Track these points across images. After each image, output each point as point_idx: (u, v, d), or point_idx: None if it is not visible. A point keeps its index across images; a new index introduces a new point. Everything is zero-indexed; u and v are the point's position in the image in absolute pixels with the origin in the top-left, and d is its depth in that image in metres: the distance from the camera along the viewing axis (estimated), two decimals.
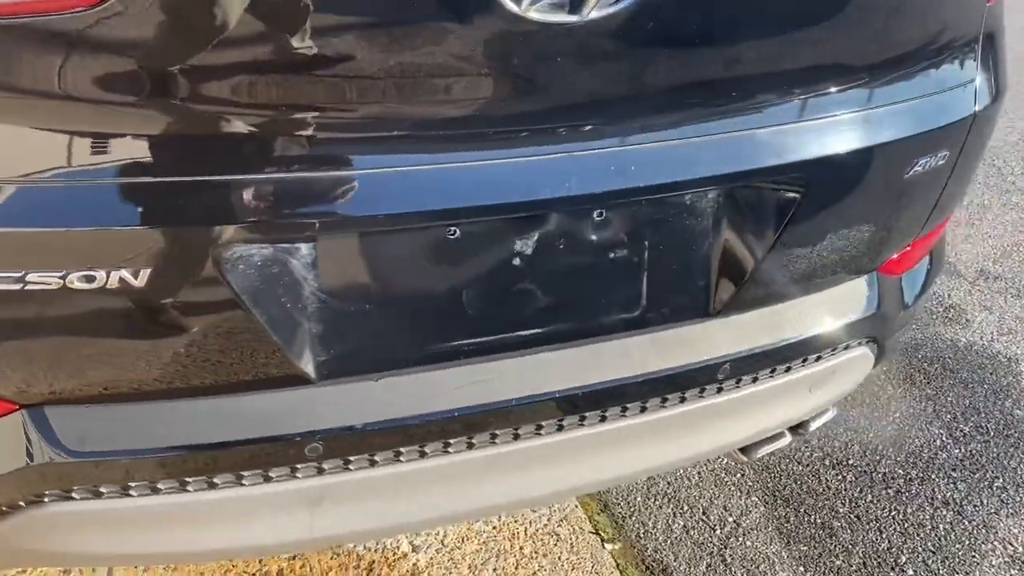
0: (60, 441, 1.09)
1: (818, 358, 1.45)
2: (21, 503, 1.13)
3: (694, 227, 1.24)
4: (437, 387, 1.17)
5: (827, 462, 2.21)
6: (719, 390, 1.35)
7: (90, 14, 0.85)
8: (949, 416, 2.39)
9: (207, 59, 0.91)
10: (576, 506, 2.02)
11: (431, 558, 1.84)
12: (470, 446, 1.23)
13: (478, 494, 1.29)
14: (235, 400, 1.10)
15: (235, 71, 0.93)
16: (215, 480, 1.14)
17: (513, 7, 0.93)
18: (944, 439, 2.31)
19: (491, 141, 1.06)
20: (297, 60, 0.93)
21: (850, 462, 2.22)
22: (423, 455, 1.21)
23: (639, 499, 2.07)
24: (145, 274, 0.97)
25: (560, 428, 1.26)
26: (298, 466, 1.16)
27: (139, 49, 0.90)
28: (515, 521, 1.95)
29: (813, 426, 1.70)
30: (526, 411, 1.21)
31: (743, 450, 1.67)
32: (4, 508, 1.13)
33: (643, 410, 1.30)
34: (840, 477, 2.17)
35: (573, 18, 0.97)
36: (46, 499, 1.12)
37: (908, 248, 1.48)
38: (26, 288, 0.95)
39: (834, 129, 1.22)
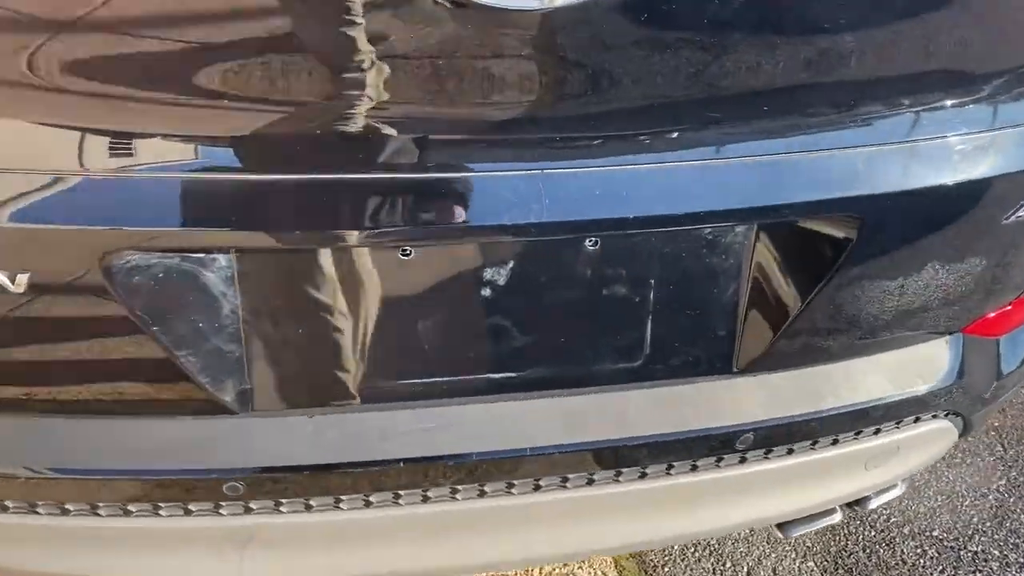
0: None
1: (877, 431, 1.19)
2: None
3: (717, 265, 1.00)
4: (380, 430, 1.00)
5: (906, 530, 1.91)
6: (742, 460, 1.12)
7: None
8: None
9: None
10: None
11: None
12: (424, 499, 1.05)
13: (429, 556, 1.11)
14: (140, 424, 0.97)
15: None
16: (128, 508, 1.02)
17: None
18: None
19: (446, 150, 0.87)
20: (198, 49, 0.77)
21: (934, 533, 1.90)
22: (367, 504, 1.04)
23: (676, 547, 1.84)
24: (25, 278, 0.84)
25: (535, 489, 1.07)
26: (221, 503, 1.01)
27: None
28: None
29: (873, 504, 1.43)
30: (489, 466, 1.02)
31: (780, 526, 1.42)
32: None
33: (642, 476, 1.09)
34: (920, 551, 1.86)
35: (534, 4, 0.76)
36: None
37: (1008, 308, 1.20)
38: None
39: (904, 158, 0.95)
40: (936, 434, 1.27)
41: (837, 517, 1.42)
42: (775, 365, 1.06)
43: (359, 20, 0.77)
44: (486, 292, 0.96)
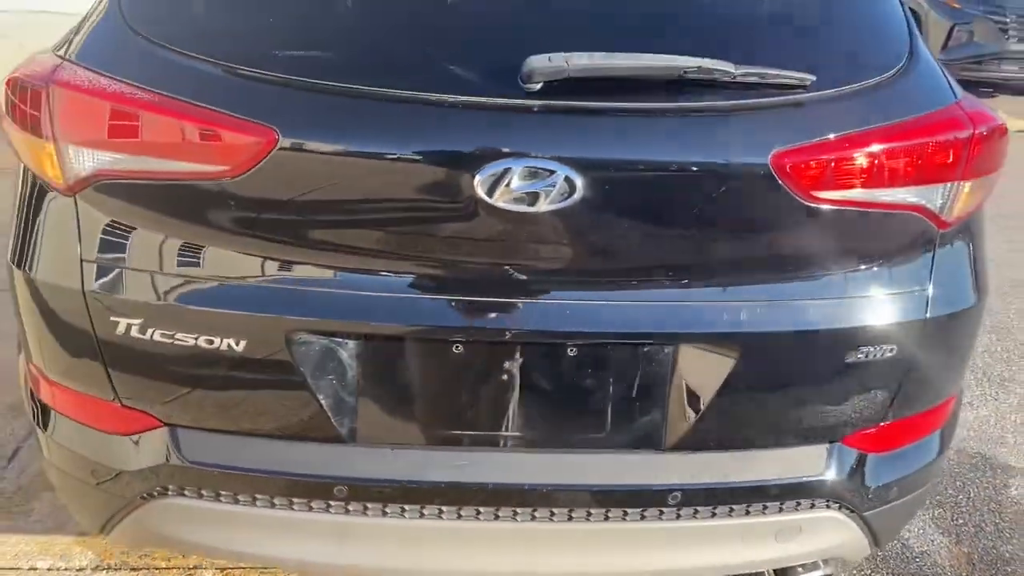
0: (182, 451, 1.60)
1: (780, 509, 1.68)
2: (154, 493, 1.65)
3: (652, 373, 1.57)
4: (431, 463, 1.58)
5: None
6: (677, 516, 1.63)
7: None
8: None
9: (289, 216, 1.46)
10: None
11: None
12: (457, 516, 1.61)
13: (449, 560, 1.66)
14: (289, 445, 1.58)
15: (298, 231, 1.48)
16: (273, 500, 1.61)
17: (486, 198, 1.40)
18: None
19: (475, 287, 1.49)
20: (348, 230, 1.48)
21: None
22: (421, 515, 1.61)
23: None
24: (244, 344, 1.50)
25: (514, 516, 1.60)
26: (330, 503, 1.60)
27: (261, 204, 1.46)
28: None
29: None
30: (496, 493, 1.58)
31: None
32: (143, 496, 1.66)
33: (600, 518, 1.62)
34: None
35: (531, 209, 1.42)
36: (169, 493, 1.64)
37: (874, 430, 1.70)
38: (176, 343, 1.51)
39: (768, 311, 1.53)
40: (831, 523, 1.73)
41: None
42: (691, 447, 1.60)
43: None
44: (504, 377, 1.55)
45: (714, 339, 1.53)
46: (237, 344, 1.48)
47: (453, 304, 1.49)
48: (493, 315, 1.50)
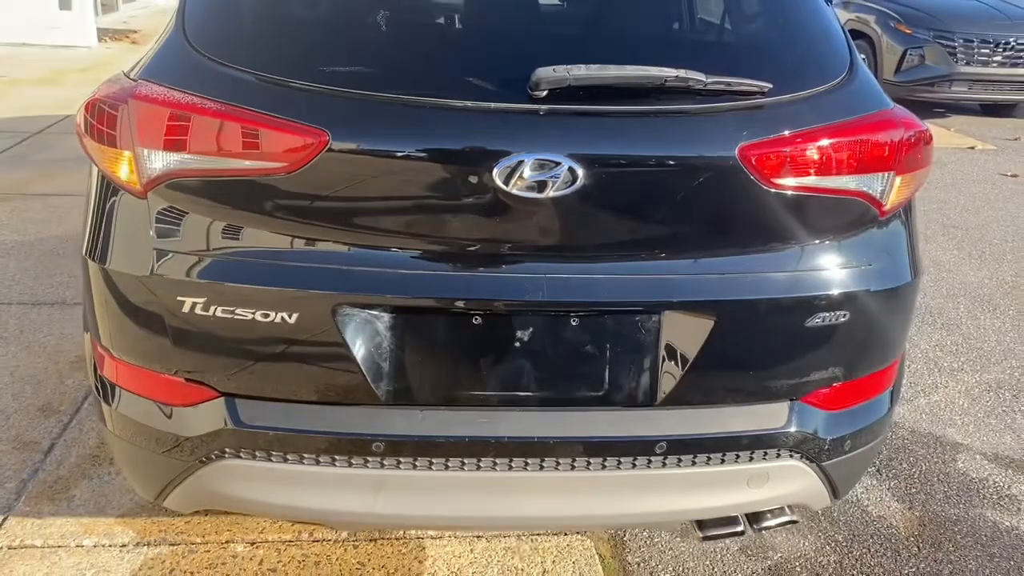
0: (239, 418, 1.85)
1: (750, 458, 1.96)
2: (213, 456, 1.89)
3: (644, 338, 1.86)
4: (456, 421, 1.85)
5: None
6: (663, 464, 1.91)
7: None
8: None
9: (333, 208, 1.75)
10: None
11: None
12: (477, 467, 1.87)
13: (476, 506, 1.93)
14: (332, 409, 1.85)
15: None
16: (319, 458, 1.87)
17: (503, 186, 1.69)
18: None
19: (493, 262, 1.78)
20: (385, 216, 1.76)
21: None
22: (446, 467, 1.87)
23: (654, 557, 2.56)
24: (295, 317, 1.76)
25: (525, 467, 1.87)
26: (368, 458, 1.86)
27: (311, 196, 1.74)
28: None
29: (768, 523, 2.17)
30: (508, 446, 1.85)
31: (700, 527, 2.17)
32: (203, 459, 1.90)
33: (599, 467, 1.89)
34: None
35: (540, 195, 1.71)
36: (226, 455, 1.88)
37: (828, 390, 1.99)
38: (236, 318, 1.77)
39: (739, 281, 1.83)
40: (793, 471, 2.02)
41: (741, 528, 2.16)
42: (678, 401, 1.88)
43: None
44: (517, 344, 1.83)
45: (694, 306, 1.83)
46: (289, 317, 1.75)
47: (473, 278, 1.78)
48: (508, 287, 1.78)
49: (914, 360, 4.01)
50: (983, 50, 9.54)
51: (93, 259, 1.88)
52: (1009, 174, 7.69)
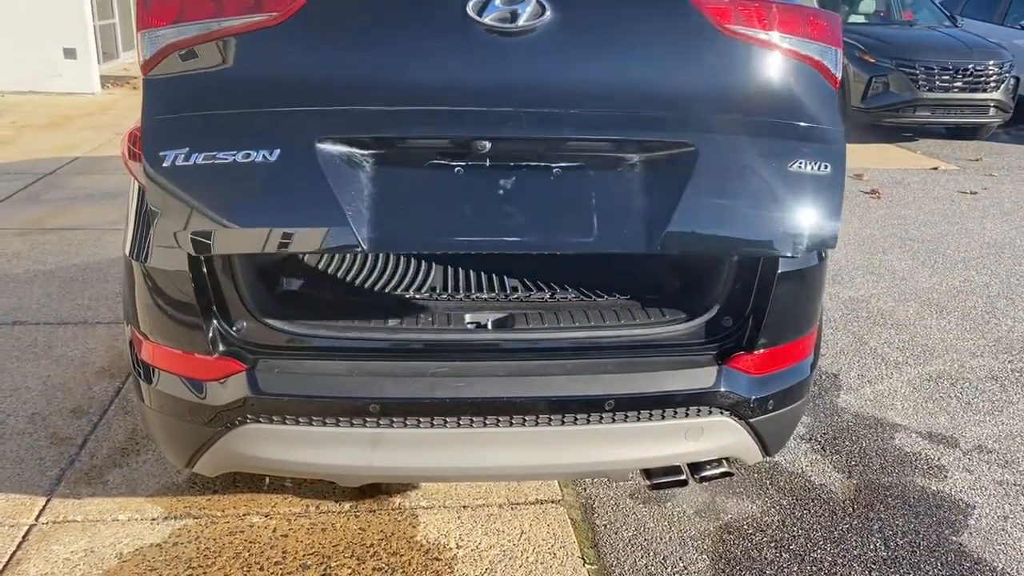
0: (258, 387, 2.24)
1: (686, 414, 2.34)
2: (236, 422, 2.27)
3: (625, 176, 2.15)
4: (439, 386, 2.22)
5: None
6: (612, 419, 2.28)
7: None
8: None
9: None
10: None
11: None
12: (457, 424, 2.24)
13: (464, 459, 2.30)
14: (338, 366, 2.23)
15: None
16: (324, 420, 2.24)
17: (476, 17, 2.07)
18: None
19: (463, 99, 2.10)
20: (369, 53, 2.10)
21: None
22: (432, 425, 2.24)
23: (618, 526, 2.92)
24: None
25: (497, 423, 2.23)
26: (366, 419, 2.23)
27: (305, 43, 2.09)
28: None
29: (707, 473, 2.54)
30: (483, 407, 2.22)
31: (648, 476, 2.54)
32: (228, 425, 2.28)
33: (560, 422, 2.27)
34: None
35: (511, 25, 2.07)
36: (248, 420, 2.26)
37: (751, 357, 2.37)
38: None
39: (712, 116, 2.20)
40: (724, 426, 2.38)
41: (684, 478, 2.53)
42: (672, 246, 2.12)
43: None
44: (500, 189, 2.08)
45: (668, 145, 2.16)
46: (271, 155, 2.00)
47: (453, 113, 2.08)
48: (488, 121, 2.08)
49: (862, 356, 4.40)
50: (944, 76, 10.07)
51: (135, 258, 2.27)
52: (968, 191, 8.14)
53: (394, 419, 2.22)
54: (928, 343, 4.60)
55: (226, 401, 2.24)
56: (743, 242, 2.20)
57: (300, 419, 2.23)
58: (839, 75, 2.36)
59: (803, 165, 2.18)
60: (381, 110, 2.09)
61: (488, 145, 2.08)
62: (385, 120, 2.09)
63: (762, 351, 2.40)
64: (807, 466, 3.36)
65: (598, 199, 2.15)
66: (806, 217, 2.17)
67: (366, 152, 2.09)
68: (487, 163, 2.11)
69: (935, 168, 9.22)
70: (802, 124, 2.25)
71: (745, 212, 2.15)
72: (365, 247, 2.02)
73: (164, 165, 2.00)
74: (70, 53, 11.79)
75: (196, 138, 2.02)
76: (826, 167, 2.19)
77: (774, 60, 2.27)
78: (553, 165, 2.15)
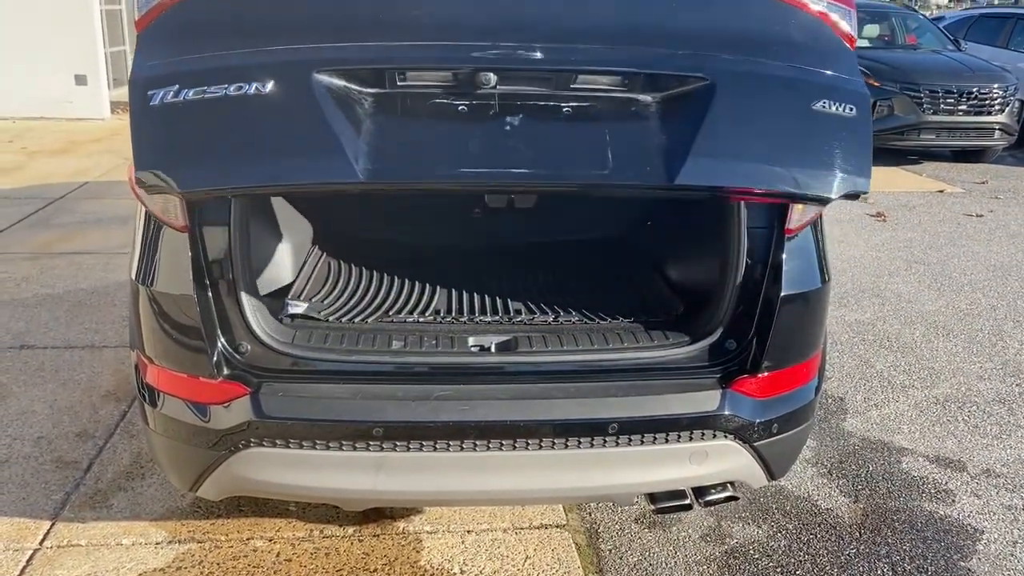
0: (263, 410, 2.24)
1: (690, 438, 2.33)
2: (240, 445, 2.27)
3: (641, 112, 2.17)
4: (443, 410, 2.22)
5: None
6: (616, 443, 2.28)
7: None
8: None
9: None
10: None
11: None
12: (460, 448, 2.24)
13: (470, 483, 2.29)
14: (342, 389, 2.23)
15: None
16: (328, 443, 2.24)
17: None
18: None
19: (465, 33, 2.15)
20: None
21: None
22: (435, 449, 2.24)
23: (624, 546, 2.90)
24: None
25: (500, 447, 2.23)
26: (369, 442, 2.23)
27: None
28: None
29: (711, 498, 2.53)
30: (487, 430, 2.22)
31: (653, 501, 2.53)
32: (232, 448, 2.28)
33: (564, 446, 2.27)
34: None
35: None
36: (251, 444, 2.26)
37: (755, 380, 2.37)
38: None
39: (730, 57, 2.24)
40: (728, 450, 2.37)
41: (688, 502, 2.51)
42: (697, 177, 2.07)
43: None
44: (523, 114, 2.09)
45: (684, 80, 2.17)
46: (263, 87, 1.99)
47: (453, 48, 2.10)
48: (492, 54, 2.07)
49: (869, 379, 4.38)
50: (948, 100, 10.10)
51: (141, 282, 2.29)
52: (974, 214, 8.14)
53: (398, 443, 2.22)
54: (935, 366, 4.58)
55: (230, 425, 2.24)
56: (769, 177, 2.11)
57: (304, 443, 2.23)
58: (854, 34, 2.39)
59: (827, 105, 2.16)
60: (379, 44, 2.09)
61: (493, 79, 2.03)
62: (383, 54, 2.08)
63: (766, 374, 2.40)
64: (813, 490, 3.34)
65: (612, 133, 2.11)
66: (836, 158, 2.11)
67: (364, 88, 2.07)
68: (494, 101, 2.05)
69: (941, 191, 9.22)
70: (822, 71, 2.26)
71: (769, 147, 2.12)
72: (361, 177, 1.95)
73: (152, 104, 1.96)
74: (81, 80, 11.91)
75: (188, 77, 1.99)
76: (851, 109, 2.17)
77: (793, 13, 2.32)
78: (565, 99, 2.12)
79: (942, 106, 10.10)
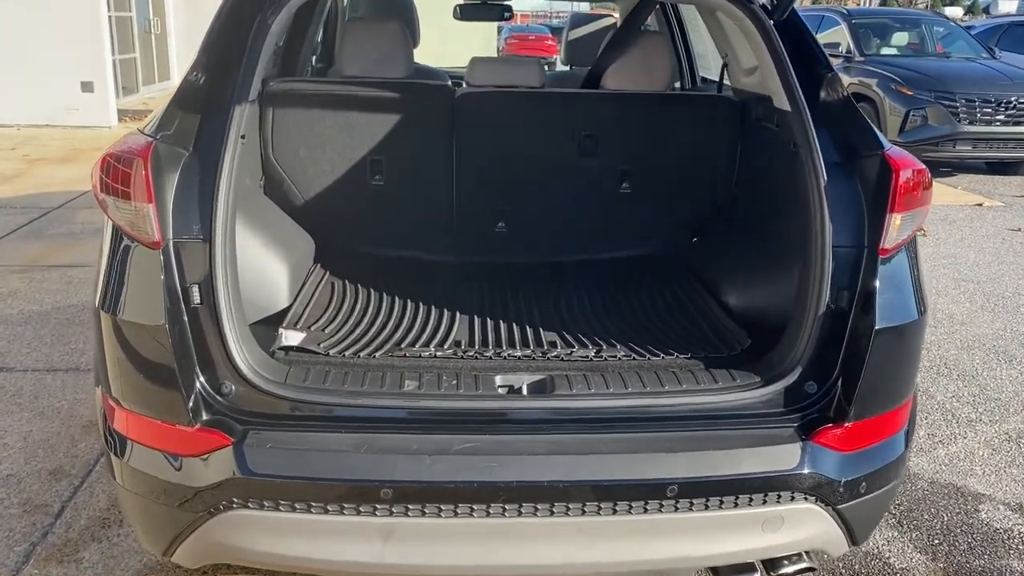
0: (247, 466, 1.85)
1: (764, 501, 1.93)
2: (221, 507, 1.88)
3: None
4: (463, 466, 1.84)
5: None
6: (675, 507, 1.88)
7: None
8: None
9: None
10: None
11: None
12: (487, 513, 1.84)
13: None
14: (343, 440, 1.84)
15: None
16: (326, 507, 1.85)
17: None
18: None
19: None
20: None
21: None
22: (455, 514, 1.85)
23: None
24: None
25: (535, 512, 1.85)
26: (376, 506, 1.84)
27: None
28: None
29: (785, 570, 2.12)
30: (518, 492, 1.83)
31: (714, 574, 2.12)
32: (211, 510, 1.89)
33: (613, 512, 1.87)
34: None
35: None
36: (234, 505, 1.87)
37: (840, 431, 1.97)
38: None
39: None
40: (808, 514, 1.97)
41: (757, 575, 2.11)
42: None
43: None
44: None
45: None
46: None
47: None
48: None
49: (930, 411, 3.96)
50: (985, 109, 9.66)
51: (106, 310, 1.91)
52: (1019, 229, 7.70)
53: (410, 506, 1.83)
54: (1001, 397, 4.15)
55: (208, 482, 1.86)
56: None
57: (297, 505, 1.84)
58: None
59: None
60: None
61: None
62: None
63: (854, 423, 1.99)
64: (884, 545, 2.92)
65: None
66: None
67: None
68: None
69: (979, 204, 8.78)
70: None
71: None
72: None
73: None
74: (87, 87, 11.62)
75: None
76: None
77: None
78: None
79: (979, 116, 9.65)
